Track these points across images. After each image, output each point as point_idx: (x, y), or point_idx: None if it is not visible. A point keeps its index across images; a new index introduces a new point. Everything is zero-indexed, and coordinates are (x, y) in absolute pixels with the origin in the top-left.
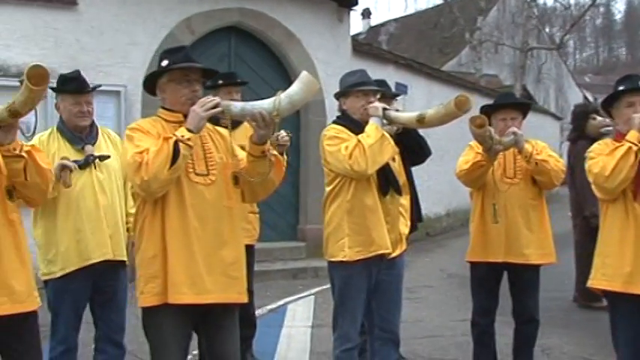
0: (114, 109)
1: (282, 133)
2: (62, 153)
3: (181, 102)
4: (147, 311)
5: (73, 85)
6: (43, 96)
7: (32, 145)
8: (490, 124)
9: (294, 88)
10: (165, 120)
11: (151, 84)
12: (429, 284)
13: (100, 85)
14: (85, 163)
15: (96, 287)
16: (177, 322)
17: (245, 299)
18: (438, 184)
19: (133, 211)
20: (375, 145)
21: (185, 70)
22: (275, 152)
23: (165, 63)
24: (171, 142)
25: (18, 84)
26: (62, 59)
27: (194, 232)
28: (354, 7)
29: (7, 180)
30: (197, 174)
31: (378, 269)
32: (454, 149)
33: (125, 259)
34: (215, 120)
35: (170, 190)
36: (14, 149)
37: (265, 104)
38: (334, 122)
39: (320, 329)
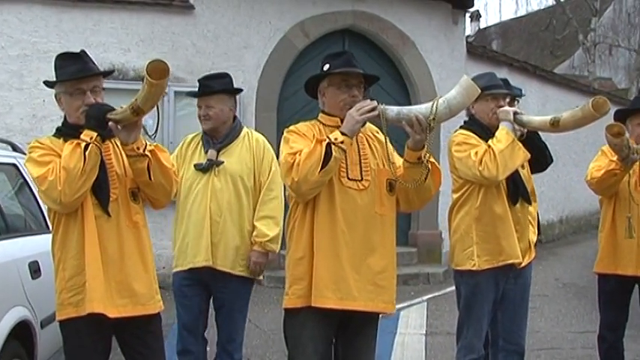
0: None
1: None
2: (194, 156)
3: (339, 107)
4: (289, 312)
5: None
6: (165, 92)
7: (156, 145)
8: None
9: (453, 92)
10: (324, 124)
11: (311, 87)
12: (543, 293)
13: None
14: (204, 168)
15: (211, 293)
16: (317, 326)
17: (392, 309)
18: (551, 191)
19: (256, 223)
20: (506, 150)
21: (344, 74)
22: (432, 159)
23: (326, 67)
24: (324, 144)
25: (135, 87)
26: (179, 63)
27: (342, 236)
28: (469, 9)
29: (132, 182)
30: (350, 179)
31: (506, 279)
32: (567, 154)
33: (232, 271)
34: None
35: (321, 192)
36: (138, 148)
37: (422, 108)
38: (462, 127)
39: (434, 337)
